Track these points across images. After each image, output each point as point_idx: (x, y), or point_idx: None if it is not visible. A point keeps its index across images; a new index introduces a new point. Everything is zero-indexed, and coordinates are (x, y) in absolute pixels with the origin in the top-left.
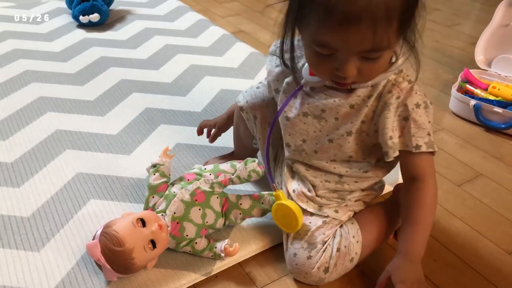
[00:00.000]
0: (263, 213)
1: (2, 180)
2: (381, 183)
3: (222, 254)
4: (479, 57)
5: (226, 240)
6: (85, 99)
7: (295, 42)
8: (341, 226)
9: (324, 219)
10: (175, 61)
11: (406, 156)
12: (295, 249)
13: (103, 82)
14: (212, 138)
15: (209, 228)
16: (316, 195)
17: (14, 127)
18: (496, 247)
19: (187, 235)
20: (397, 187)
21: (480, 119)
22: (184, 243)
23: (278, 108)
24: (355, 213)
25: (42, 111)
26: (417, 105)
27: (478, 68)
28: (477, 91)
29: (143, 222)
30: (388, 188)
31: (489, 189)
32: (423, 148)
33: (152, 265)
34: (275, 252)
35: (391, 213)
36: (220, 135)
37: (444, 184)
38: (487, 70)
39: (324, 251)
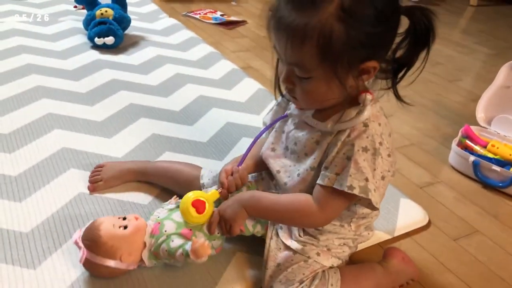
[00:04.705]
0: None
1: (5, 193)
2: (368, 228)
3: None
4: (480, 114)
5: (198, 239)
6: (93, 120)
7: None
8: (323, 271)
9: (306, 259)
10: (185, 90)
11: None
12: (273, 282)
13: (112, 104)
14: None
15: (194, 229)
16: (298, 235)
17: (21, 141)
18: None
19: (165, 231)
20: (387, 253)
21: (478, 175)
22: (161, 239)
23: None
24: (344, 263)
25: (50, 127)
26: (364, 149)
27: (478, 125)
28: (477, 148)
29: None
30: (384, 236)
31: (484, 246)
32: (356, 191)
33: (131, 264)
34: None
35: (380, 277)
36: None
37: (440, 237)
38: (487, 128)
39: None
